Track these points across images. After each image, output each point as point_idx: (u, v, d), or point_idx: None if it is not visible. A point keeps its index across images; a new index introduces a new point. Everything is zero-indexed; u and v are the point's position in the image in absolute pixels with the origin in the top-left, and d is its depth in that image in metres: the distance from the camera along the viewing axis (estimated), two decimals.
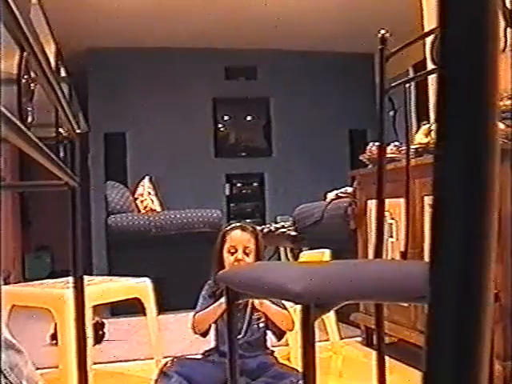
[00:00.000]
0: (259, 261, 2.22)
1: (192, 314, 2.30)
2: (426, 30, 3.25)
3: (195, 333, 2.24)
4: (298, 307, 1.06)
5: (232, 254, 2.21)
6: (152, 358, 2.61)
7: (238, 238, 2.23)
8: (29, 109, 0.77)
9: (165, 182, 5.77)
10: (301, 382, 1.88)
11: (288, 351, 2.61)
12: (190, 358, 2.33)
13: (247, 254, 2.21)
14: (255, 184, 6.86)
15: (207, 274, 2.31)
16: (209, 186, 6.50)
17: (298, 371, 2.06)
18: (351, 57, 6.65)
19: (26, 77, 0.75)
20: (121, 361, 2.99)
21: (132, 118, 6.36)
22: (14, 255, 6.41)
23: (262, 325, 2.24)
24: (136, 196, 4.83)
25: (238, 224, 2.32)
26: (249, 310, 2.22)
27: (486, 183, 0.31)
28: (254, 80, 6.80)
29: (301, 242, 3.96)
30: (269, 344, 2.33)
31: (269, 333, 2.28)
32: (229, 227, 2.31)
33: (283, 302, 2.17)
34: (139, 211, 4.69)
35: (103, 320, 3.37)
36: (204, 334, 2.24)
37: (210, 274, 2.30)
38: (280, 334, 2.25)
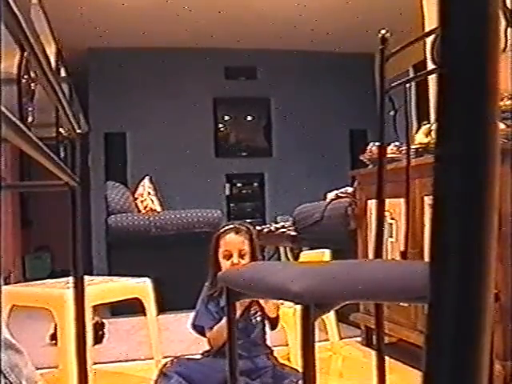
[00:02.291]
0: (255, 261, 2.20)
1: (192, 314, 2.30)
2: (426, 29, 3.25)
3: (212, 347, 2.23)
4: (298, 307, 1.06)
5: (227, 258, 2.20)
6: (152, 358, 2.61)
7: (232, 241, 2.21)
8: (29, 109, 0.77)
9: (165, 182, 5.77)
10: (301, 382, 1.88)
11: (288, 351, 2.61)
12: (190, 358, 2.33)
13: (242, 257, 2.20)
14: (255, 184, 6.86)
15: (207, 274, 2.31)
16: (209, 185, 6.50)
17: (298, 371, 2.06)
18: (351, 57, 6.65)
19: (26, 77, 0.75)
20: (121, 361, 2.99)
21: (132, 118, 6.36)
22: (14, 255, 6.41)
23: (259, 319, 2.23)
24: (136, 196, 4.83)
25: (231, 226, 2.28)
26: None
27: (485, 183, 0.31)
28: (254, 80, 6.80)
29: (301, 241, 3.96)
30: (268, 343, 2.33)
31: (267, 331, 2.28)
32: (222, 230, 2.27)
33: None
34: (139, 211, 4.69)
35: (103, 320, 3.37)
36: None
37: (208, 275, 2.29)
38: (274, 322, 2.24)
